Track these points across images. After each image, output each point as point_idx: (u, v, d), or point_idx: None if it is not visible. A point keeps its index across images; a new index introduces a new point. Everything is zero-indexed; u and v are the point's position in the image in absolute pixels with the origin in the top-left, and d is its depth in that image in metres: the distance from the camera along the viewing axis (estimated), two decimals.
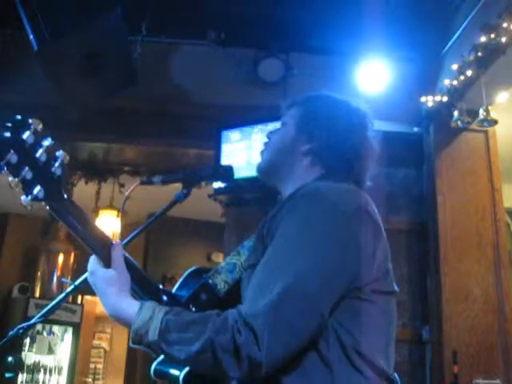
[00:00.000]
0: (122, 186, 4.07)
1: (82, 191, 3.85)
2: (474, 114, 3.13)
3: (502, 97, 3.13)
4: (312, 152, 1.29)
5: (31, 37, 2.68)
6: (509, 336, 3.03)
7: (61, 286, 6.01)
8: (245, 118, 3.41)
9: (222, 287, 1.28)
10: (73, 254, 6.21)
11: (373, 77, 3.42)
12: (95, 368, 8.42)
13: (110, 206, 4.80)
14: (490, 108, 3.01)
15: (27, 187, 1.00)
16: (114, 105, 3.32)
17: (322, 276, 1.02)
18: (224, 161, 3.34)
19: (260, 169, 1.38)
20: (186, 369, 1.10)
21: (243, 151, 3.35)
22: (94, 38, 2.84)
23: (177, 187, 1.31)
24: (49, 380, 5.85)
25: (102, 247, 1.12)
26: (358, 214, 1.11)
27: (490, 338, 3.02)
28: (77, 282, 1.19)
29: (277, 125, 1.42)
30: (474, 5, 2.96)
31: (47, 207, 1.03)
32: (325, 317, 1.02)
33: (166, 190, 1.42)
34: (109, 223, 4.88)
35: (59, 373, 5.93)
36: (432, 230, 3.30)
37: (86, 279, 1.17)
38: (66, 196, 1.06)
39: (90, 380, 7.79)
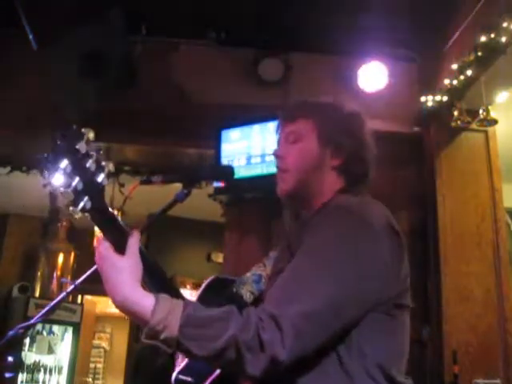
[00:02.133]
0: (121, 185, 4.07)
1: None
2: (473, 113, 3.13)
3: (501, 97, 3.13)
4: (342, 165, 1.27)
5: (31, 37, 2.68)
6: (509, 336, 3.02)
7: (61, 286, 6.01)
8: (245, 118, 3.41)
9: (248, 297, 1.29)
10: (73, 254, 6.22)
11: (373, 77, 3.42)
12: (95, 368, 8.43)
13: (110, 206, 4.80)
14: (489, 108, 3.01)
15: (76, 197, 1.01)
16: (114, 105, 3.31)
17: (352, 291, 1.06)
18: (224, 160, 3.34)
19: (287, 192, 1.29)
20: (210, 378, 1.11)
21: (243, 151, 3.35)
22: (93, 38, 2.85)
23: (177, 187, 1.31)
24: (49, 380, 5.85)
25: (119, 233, 1.08)
26: (386, 229, 1.13)
27: (490, 338, 3.02)
28: (78, 282, 1.18)
29: (290, 128, 1.30)
30: (474, 5, 2.96)
31: (89, 217, 1.04)
32: (346, 329, 1.06)
33: (167, 190, 1.42)
34: None
35: (59, 372, 5.93)
36: (432, 230, 3.30)
37: (86, 279, 1.16)
38: (107, 206, 1.07)
39: (90, 380, 7.79)
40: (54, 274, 6.08)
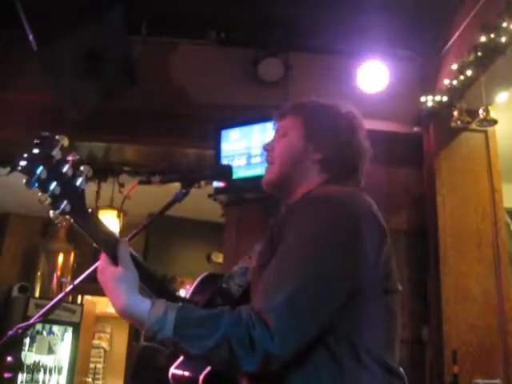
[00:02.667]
0: (121, 185, 4.07)
1: None
2: (473, 113, 3.13)
3: (501, 97, 3.13)
4: (323, 160, 1.32)
5: (31, 37, 2.68)
6: (509, 336, 3.02)
7: (61, 286, 6.01)
8: (245, 118, 3.41)
9: (236, 291, 1.33)
10: (73, 254, 6.22)
11: (373, 77, 3.42)
12: (95, 368, 8.43)
13: (110, 206, 4.80)
14: (489, 108, 3.01)
15: (55, 202, 1.04)
16: (114, 105, 3.31)
17: (331, 278, 1.08)
18: (224, 160, 3.34)
19: (271, 183, 1.36)
20: (205, 371, 1.14)
21: (243, 151, 3.35)
22: (94, 38, 2.84)
23: (177, 187, 1.31)
24: (49, 380, 5.85)
25: (110, 245, 1.13)
26: (365, 217, 1.16)
27: (490, 338, 3.02)
28: (76, 282, 1.19)
29: (280, 124, 1.41)
30: (474, 5, 2.97)
31: (71, 220, 1.08)
32: (332, 313, 1.08)
33: (167, 190, 1.42)
34: (109, 223, 4.87)
35: (59, 373, 5.94)
36: (432, 230, 3.30)
37: (86, 279, 1.17)
38: (87, 209, 1.11)
39: (90, 380, 7.79)
40: (54, 274, 6.09)
